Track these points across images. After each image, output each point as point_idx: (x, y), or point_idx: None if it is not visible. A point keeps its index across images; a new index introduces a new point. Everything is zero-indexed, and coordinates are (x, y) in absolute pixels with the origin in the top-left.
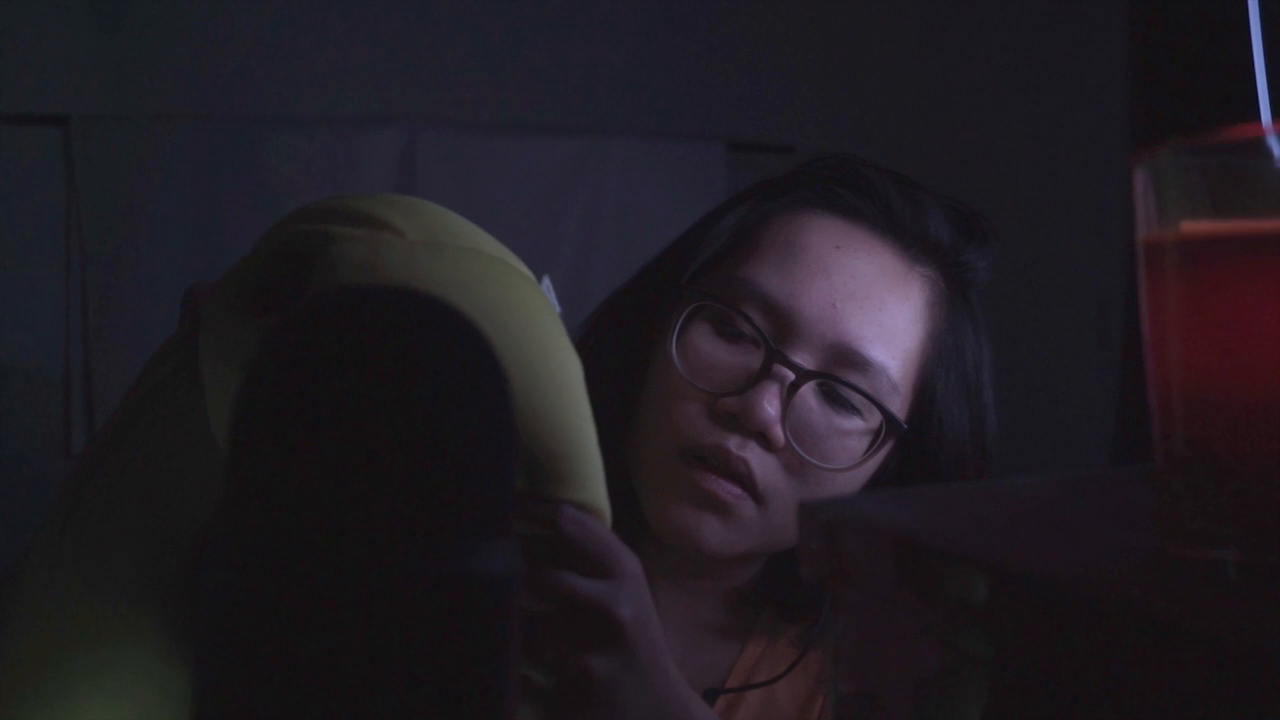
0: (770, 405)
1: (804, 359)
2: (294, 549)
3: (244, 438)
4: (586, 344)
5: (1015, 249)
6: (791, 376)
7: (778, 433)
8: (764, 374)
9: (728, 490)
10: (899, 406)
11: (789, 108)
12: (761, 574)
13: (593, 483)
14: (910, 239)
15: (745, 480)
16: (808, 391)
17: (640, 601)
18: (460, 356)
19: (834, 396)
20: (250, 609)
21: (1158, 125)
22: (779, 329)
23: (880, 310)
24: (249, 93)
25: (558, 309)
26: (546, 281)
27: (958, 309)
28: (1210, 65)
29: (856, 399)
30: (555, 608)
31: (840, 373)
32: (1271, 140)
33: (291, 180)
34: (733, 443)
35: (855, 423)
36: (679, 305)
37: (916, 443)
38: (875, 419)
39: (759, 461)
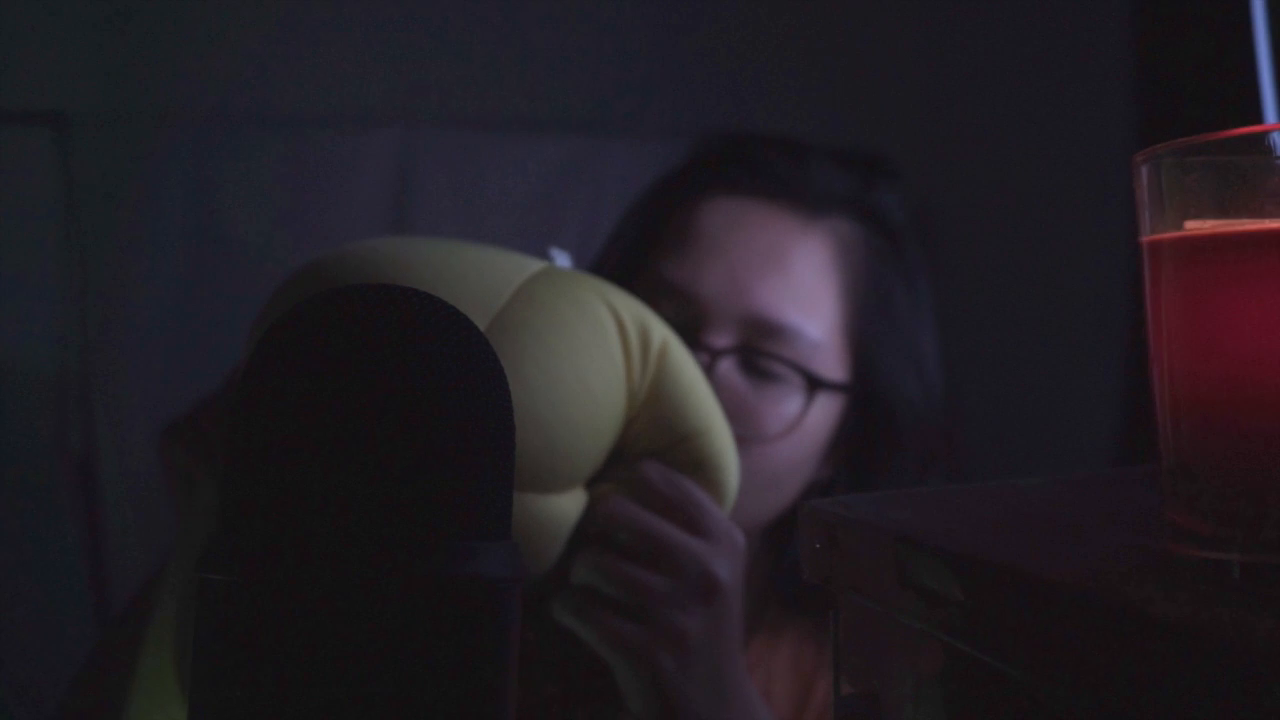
0: None
1: (721, 338)
2: (292, 553)
3: (240, 440)
4: None
5: (1016, 248)
6: (705, 358)
7: None
8: None
9: None
10: (831, 362)
11: (790, 108)
12: (767, 568)
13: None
14: (804, 198)
15: None
16: (728, 368)
17: (736, 569)
18: (459, 356)
19: (756, 368)
20: (248, 614)
21: (1161, 124)
22: (690, 314)
23: (784, 274)
24: (248, 92)
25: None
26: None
27: (878, 254)
28: (1215, 64)
29: (778, 366)
30: (647, 561)
31: (759, 343)
32: (1275, 138)
33: (290, 179)
34: None
35: (784, 388)
36: None
37: (865, 395)
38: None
39: None
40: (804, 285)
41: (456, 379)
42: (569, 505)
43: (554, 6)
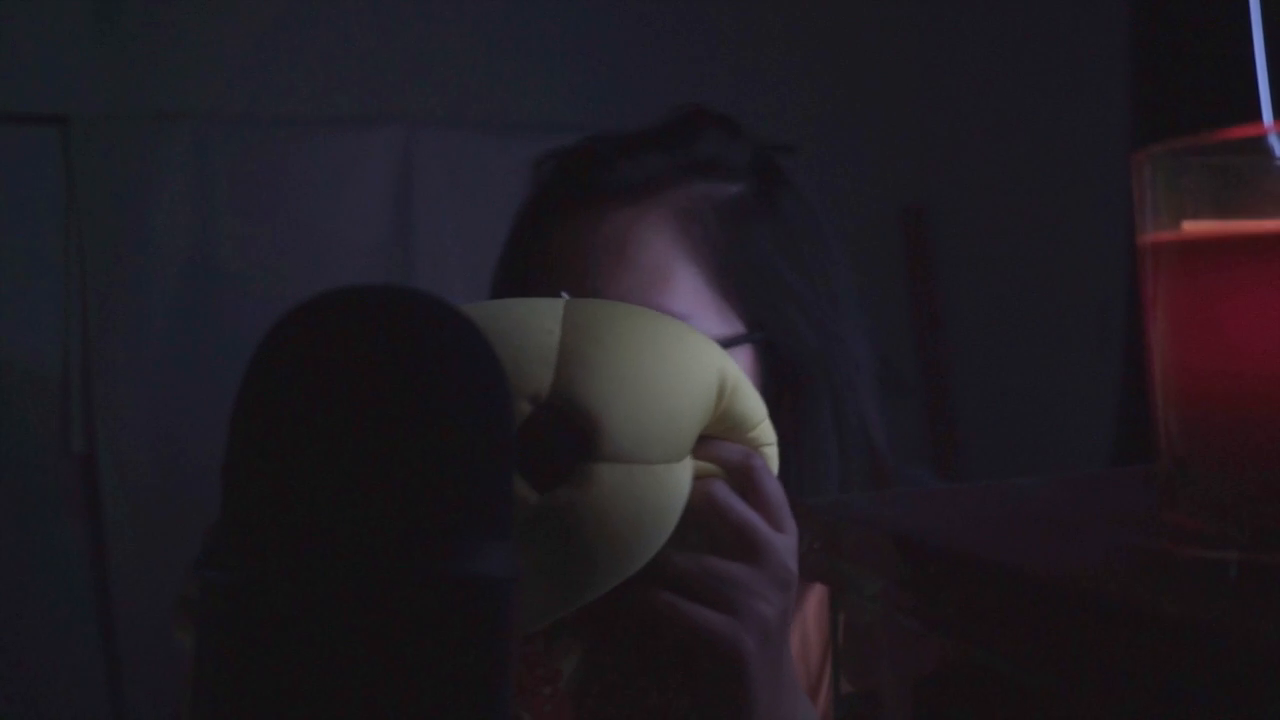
0: None
1: None
2: (293, 551)
3: (242, 440)
4: None
5: (1015, 248)
6: None
7: None
8: None
9: None
10: (713, 322)
11: (789, 107)
12: None
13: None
14: (628, 185)
15: None
16: None
17: (796, 561)
18: (458, 357)
19: None
20: (250, 612)
21: (1158, 125)
22: None
23: (625, 264)
24: (249, 93)
25: None
26: None
27: (729, 203)
28: (1211, 64)
29: None
30: (734, 551)
31: None
32: (1272, 139)
33: (291, 179)
34: None
35: None
36: None
37: (766, 344)
38: None
39: None
40: (651, 267)
41: (456, 378)
42: (686, 473)
43: (555, 7)
